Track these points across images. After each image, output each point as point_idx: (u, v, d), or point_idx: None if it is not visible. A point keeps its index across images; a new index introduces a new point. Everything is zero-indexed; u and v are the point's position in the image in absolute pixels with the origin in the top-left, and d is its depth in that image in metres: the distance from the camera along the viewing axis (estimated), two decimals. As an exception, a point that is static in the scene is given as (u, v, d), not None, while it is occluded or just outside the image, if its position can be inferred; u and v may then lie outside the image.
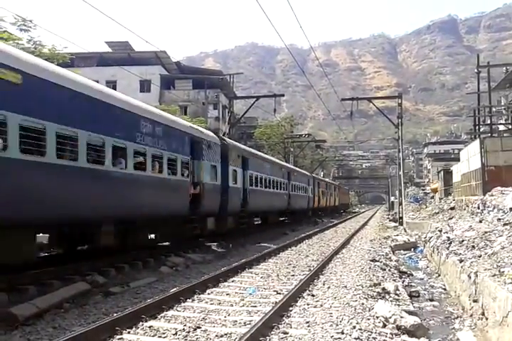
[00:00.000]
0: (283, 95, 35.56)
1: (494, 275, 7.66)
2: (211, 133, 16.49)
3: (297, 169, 35.46)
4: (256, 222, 25.21)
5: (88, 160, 9.02)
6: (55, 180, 8.32)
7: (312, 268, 10.75)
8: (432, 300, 10.10)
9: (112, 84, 37.83)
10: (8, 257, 7.71)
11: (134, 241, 11.83)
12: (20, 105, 7.40)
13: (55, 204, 8.30)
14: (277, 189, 24.94)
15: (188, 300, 7.68)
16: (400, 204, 32.37)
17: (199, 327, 6.05)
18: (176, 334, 5.81)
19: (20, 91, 7.47)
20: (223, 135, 27.00)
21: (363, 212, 71.63)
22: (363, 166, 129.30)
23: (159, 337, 5.74)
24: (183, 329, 5.98)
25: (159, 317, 6.62)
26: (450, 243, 12.90)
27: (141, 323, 6.20)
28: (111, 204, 9.89)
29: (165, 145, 12.09)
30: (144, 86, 42.53)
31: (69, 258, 10.50)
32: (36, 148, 7.80)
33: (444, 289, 11.29)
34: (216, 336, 5.74)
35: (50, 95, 8.23)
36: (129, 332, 5.83)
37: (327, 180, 56.90)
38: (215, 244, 16.20)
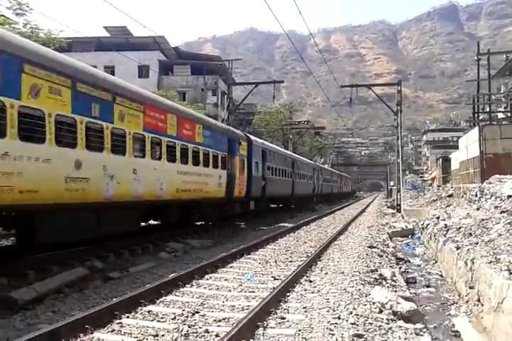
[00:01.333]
0: (282, 81, 35.32)
1: (490, 262, 7.72)
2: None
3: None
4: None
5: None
6: None
7: (310, 255, 10.82)
8: (428, 286, 10.20)
9: (110, 70, 37.57)
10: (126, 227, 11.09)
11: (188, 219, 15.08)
12: None
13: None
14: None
15: (186, 285, 7.74)
16: (398, 191, 32.45)
17: (197, 312, 6.12)
18: (174, 318, 5.87)
19: None
20: (222, 121, 26.98)
21: (362, 199, 71.85)
22: (362, 153, 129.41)
23: (158, 321, 5.79)
24: (182, 314, 6.04)
25: (158, 302, 6.67)
26: (447, 230, 12.97)
27: (140, 308, 6.26)
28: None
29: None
30: (143, 71, 42.21)
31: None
32: None
33: (441, 276, 11.39)
34: (214, 321, 5.80)
35: None
36: (128, 317, 5.88)
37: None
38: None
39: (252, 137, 21.70)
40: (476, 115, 36.14)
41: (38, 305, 6.56)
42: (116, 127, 9.90)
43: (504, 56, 38.10)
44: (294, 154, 35.29)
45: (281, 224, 20.61)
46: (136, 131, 10.70)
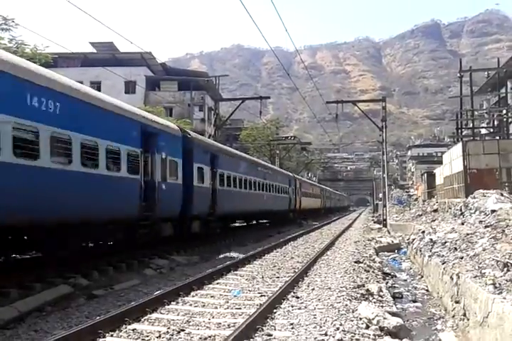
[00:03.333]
0: (269, 97, 35.70)
1: (475, 276, 7.76)
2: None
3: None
4: (233, 225, 25.43)
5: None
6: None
7: (297, 270, 10.78)
8: (415, 301, 10.20)
9: (97, 85, 37.53)
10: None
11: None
12: None
13: None
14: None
15: (172, 302, 7.64)
16: (384, 206, 32.61)
17: (183, 330, 6.03)
18: (159, 337, 5.77)
19: None
20: (208, 137, 26.86)
21: (348, 214, 72.01)
22: (348, 168, 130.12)
23: (142, 339, 5.69)
24: (167, 332, 5.94)
25: (143, 319, 6.57)
26: (433, 245, 13.03)
27: (124, 326, 6.15)
28: None
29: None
30: (129, 87, 42.24)
31: (50, 260, 10.37)
32: None
33: (427, 290, 11.41)
34: (200, 338, 5.72)
35: None
36: (112, 335, 5.77)
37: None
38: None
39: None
40: (459, 131, 36.77)
41: (19, 324, 6.42)
42: None
43: (486, 73, 39.03)
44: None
45: (268, 240, 20.52)
46: None
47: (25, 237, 9.28)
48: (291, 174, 37.46)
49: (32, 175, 8.04)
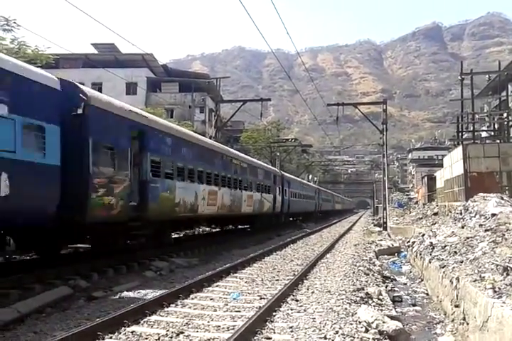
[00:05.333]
0: (269, 99, 35.71)
1: (475, 280, 7.75)
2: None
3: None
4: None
5: None
6: None
7: (296, 273, 10.78)
8: (414, 305, 10.19)
9: (98, 87, 37.59)
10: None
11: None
12: None
13: None
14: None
15: (171, 305, 7.64)
16: (384, 209, 32.60)
17: (182, 333, 6.03)
18: (158, 339, 5.77)
19: None
20: (209, 139, 25.82)
21: (348, 217, 71.99)
22: (349, 171, 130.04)
23: (142, 342, 5.70)
24: (166, 334, 5.94)
25: (142, 322, 6.57)
26: (433, 248, 13.02)
27: (123, 328, 6.15)
28: None
29: None
30: (130, 88, 42.31)
31: (51, 261, 10.37)
32: None
33: (427, 294, 11.40)
34: (199, 341, 5.72)
35: None
36: (111, 338, 5.78)
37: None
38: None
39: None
40: (460, 134, 36.72)
41: (18, 326, 6.43)
42: None
43: (487, 76, 39.00)
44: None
45: (269, 242, 20.51)
46: None
47: None
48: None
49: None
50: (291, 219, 37.86)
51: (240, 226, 26.00)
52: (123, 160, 10.84)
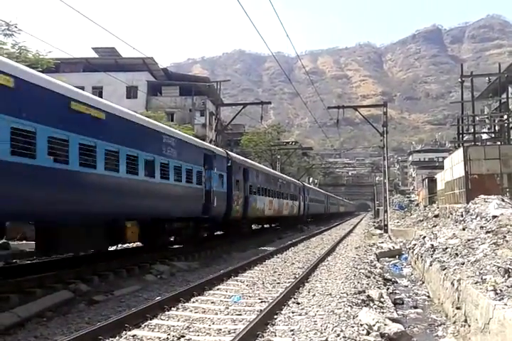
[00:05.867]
0: (270, 103, 35.66)
1: (477, 282, 7.74)
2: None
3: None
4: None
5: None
6: None
7: (297, 276, 10.76)
8: (415, 307, 10.16)
9: (98, 90, 37.69)
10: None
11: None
12: None
13: None
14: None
15: (172, 308, 7.63)
16: (385, 211, 32.57)
17: (183, 336, 6.02)
18: (159, 343, 5.76)
19: None
20: (210, 142, 27.06)
21: (349, 220, 71.90)
22: (349, 174, 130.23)
23: (143, 346, 5.69)
24: (167, 338, 5.94)
25: (143, 326, 6.56)
26: (434, 250, 13.00)
27: (124, 332, 6.14)
28: None
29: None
30: (131, 92, 42.37)
31: (51, 265, 10.38)
32: None
33: (428, 296, 11.37)
34: (200, 345, 5.71)
35: None
36: (112, 341, 5.77)
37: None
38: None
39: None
40: (460, 136, 36.74)
41: (19, 330, 6.42)
42: None
43: (487, 78, 39.04)
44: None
45: (269, 245, 20.48)
46: None
47: None
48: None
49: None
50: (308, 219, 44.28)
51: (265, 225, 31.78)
52: (240, 185, 20.03)
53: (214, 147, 18.85)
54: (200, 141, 17.18)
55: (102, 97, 12.76)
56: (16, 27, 18.96)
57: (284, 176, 33.71)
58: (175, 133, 14.21)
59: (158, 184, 12.35)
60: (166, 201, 13.10)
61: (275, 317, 7.07)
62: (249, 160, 24.55)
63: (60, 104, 8.74)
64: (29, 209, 8.12)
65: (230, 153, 20.07)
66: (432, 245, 13.77)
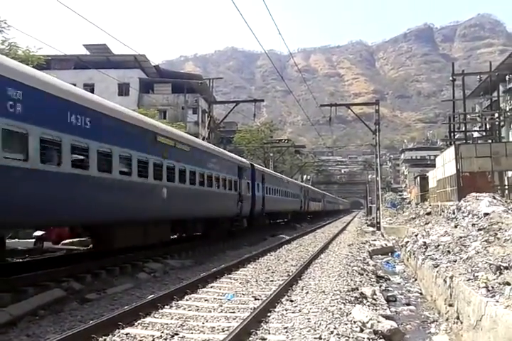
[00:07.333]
0: (263, 100, 35.67)
1: (469, 279, 7.79)
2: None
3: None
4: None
5: None
6: None
7: (291, 274, 10.77)
8: (408, 304, 10.22)
9: (90, 88, 37.36)
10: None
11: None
12: None
13: None
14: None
15: (165, 306, 7.61)
16: (378, 209, 32.71)
17: (177, 334, 6.01)
18: (153, 341, 5.74)
19: None
20: (202, 139, 26.93)
21: (342, 217, 72.12)
22: (342, 172, 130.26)
23: (136, 344, 5.66)
24: (161, 336, 5.92)
25: (136, 324, 6.53)
26: (426, 248, 13.08)
27: (117, 330, 6.12)
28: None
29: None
30: (123, 89, 42.12)
31: (44, 263, 10.30)
32: None
33: (421, 293, 11.44)
34: (194, 343, 5.70)
35: None
36: (105, 340, 5.74)
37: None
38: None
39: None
40: (452, 134, 36.98)
41: (11, 329, 6.37)
42: None
43: (478, 77, 39.27)
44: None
45: (262, 243, 20.50)
46: None
47: None
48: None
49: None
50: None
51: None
52: (260, 188, 24.29)
53: (244, 160, 23.93)
54: (236, 156, 22.49)
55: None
56: (5, 23, 18.77)
57: (289, 179, 38.97)
58: (224, 153, 19.78)
59: (213, 192, 17.06)
60: (219, 204, 17.97)
61: (268, 314, 7.07)
62: (263, 168, 30.89)
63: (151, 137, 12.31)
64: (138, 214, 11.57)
65: (253, 163, 25.16)
66: (425, 242, 13.85)
